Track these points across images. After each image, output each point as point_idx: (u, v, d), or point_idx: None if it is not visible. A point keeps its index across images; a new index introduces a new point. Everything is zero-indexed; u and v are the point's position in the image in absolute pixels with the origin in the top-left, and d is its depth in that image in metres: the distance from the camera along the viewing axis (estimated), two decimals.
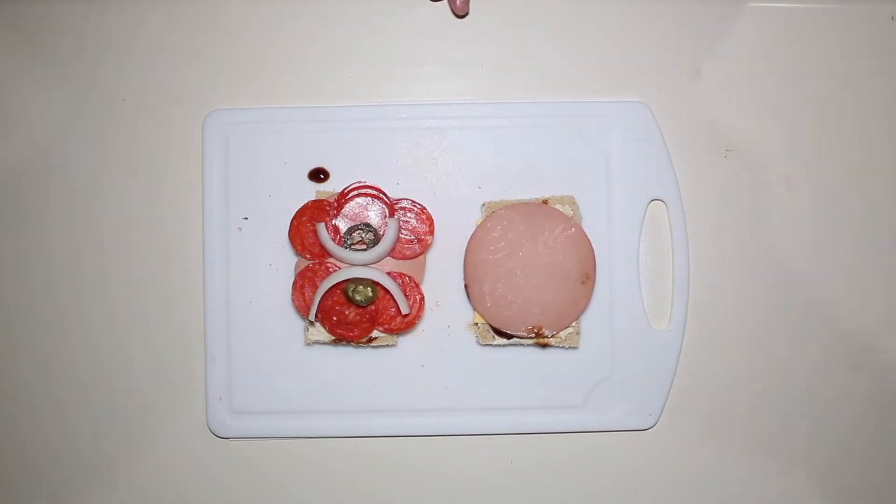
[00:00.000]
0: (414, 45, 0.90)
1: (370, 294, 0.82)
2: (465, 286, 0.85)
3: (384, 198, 0.85)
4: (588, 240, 0.84)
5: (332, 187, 0.87)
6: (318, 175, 0.88)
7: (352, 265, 0.83)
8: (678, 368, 0.86)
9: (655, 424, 0.86)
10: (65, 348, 0.88)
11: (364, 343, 0.85)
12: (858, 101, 0.88)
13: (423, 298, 0.85)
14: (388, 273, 0.84)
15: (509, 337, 0.85)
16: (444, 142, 0.88)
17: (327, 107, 0.89)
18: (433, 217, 0.85)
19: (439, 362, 0.87)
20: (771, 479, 0.87)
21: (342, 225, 0.85)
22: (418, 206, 0.85)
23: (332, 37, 0.90)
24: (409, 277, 0.85)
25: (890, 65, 0.88)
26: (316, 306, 0.83)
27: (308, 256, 0.85)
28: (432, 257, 0.87)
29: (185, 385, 0.88)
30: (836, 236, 0.88)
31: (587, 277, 0.84)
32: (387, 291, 0.83)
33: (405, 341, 0.87)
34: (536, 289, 0.83)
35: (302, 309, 0.84)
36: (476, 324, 0.85)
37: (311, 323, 0.85)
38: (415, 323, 0.85)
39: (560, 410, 0.86)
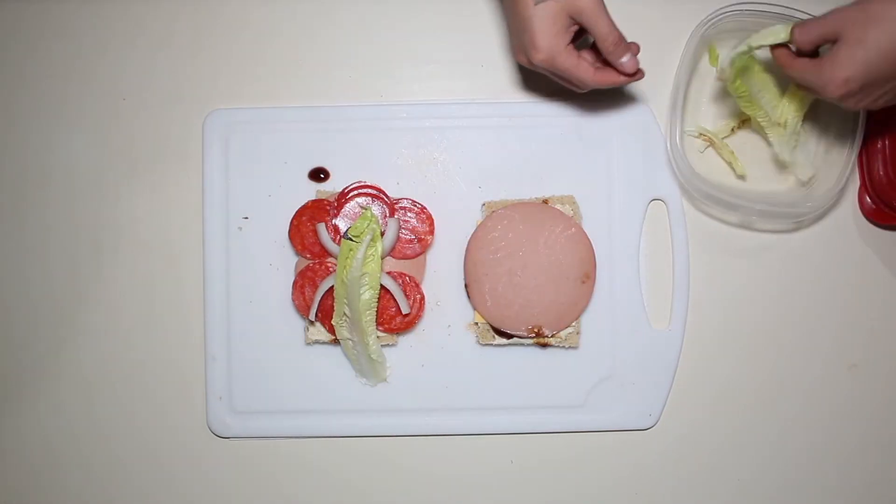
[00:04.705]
0: (414, 45, 0.90)
1: None
2: (465, 286, 0.85)
3: (384, 197, 0.85)
4: (588, 240, 0.84)
5: (332, 187, 0.87)
6: (318, 175, 0.88)
7: None
8: (678, 368, 0.86)
9: (655, 424, 0.86)
10: (64, 348, 0.88)
11: None
12: None
13: (423, 298, 0.85)
14: (388, 273, 0.84)
15: (509, 337, 0.85)
16: (444, 142, 0.88)
17: (327, 107, 0.89)
18: (433, 217, 0.85)
19: (439, 362, 0.87)
20: (771, 479, 0.87)
21: (342, 225, 0.85)
22: (418, 205, 0.85)
23: (332, 36, 0.90)
24: (410, 277, 0.85)
25: None
26: (316, 306, 0.83)
27: (308, 256, 0.85)
28: (432, 257, 0.87)
29: (185, 385, 0.88)
30: (837, 236, 0.88)
31: (587, 277, 0.84)
32: (387, 291, 0.83)
33: (405, 341, 0.87)
34: (536, 289, 0.83)
35: (302, 309, 0.84)
36: (476, 324, 0.85)
37: (311, 322, 0.85)
38: (415, 323, 0.85)
39: (560, 410, 0.86)
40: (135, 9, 0.90)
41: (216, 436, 0.87)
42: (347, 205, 0.85)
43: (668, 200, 0.87)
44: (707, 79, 0.89)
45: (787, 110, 0.83)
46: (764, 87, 0.83)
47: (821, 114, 0.87)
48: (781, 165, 0.87)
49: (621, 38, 0.75)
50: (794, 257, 0.88)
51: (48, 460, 0.88)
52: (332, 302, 0.82)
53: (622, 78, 0.77)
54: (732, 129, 0.88)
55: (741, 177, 0.87)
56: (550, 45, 0.73)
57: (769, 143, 0.86)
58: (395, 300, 0.83)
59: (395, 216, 0.85)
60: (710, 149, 0.88)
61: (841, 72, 0.69)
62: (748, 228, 0.88)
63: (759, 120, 0.84)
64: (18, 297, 0.89)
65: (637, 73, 0.77)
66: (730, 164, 0.87)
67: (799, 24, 0.73)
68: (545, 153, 0.88)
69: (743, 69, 0.80)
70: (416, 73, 0.90)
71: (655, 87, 0.89)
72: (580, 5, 0.72)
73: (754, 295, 0.88)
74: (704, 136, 0.87)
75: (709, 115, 0.89)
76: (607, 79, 0.77)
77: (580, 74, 0.75)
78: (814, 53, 0.74)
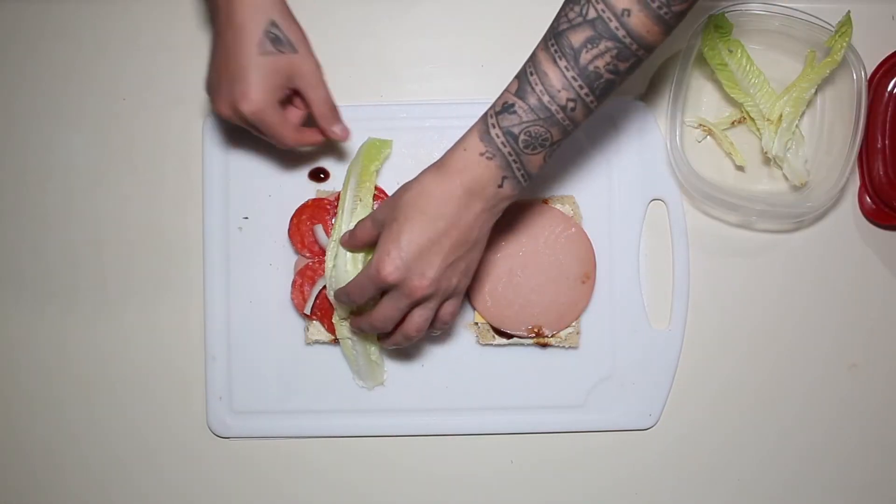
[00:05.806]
0: (414, 44, 0.90)
1: None
2: None
3: (384, 197, 0.85)
4: (588, 240, 0.84)
5: (332, 187, 0.87)
6: (318, 175, 0.88)
7: None
8: (678, 368, 0.86)
9: (655, 424, 0.86)
10: (64, 348, 0.88)
11: None
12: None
13: None
14: None
15: (509, 337, 0.85)
16: (444, 141, 0.88)
17: None
18: None
19: (439, 362, 0.87)
20: (771, 479, 0.87)
21: None
22: None
23: (331, 36, 0.90)
24: None
25: None
26: (312, 301, 0.83)
27: (308, 255, 0.85)
28: None
29: (185, 385, 0.88)
30: (837, 236, 0.88)
31: (587, 277, 0.84)
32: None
33: None
34: (536, 289, 0.83)
35: (301, 307, 0.84)
36: (476, 324, 0.85)
37: (310, 319, 0.84)
38: None
39: (560, 410, 0.86)
40: (135, 9, 0.90)
41: (216, 436, 0.87)
42: None
43: (668, 200, 0.87)
44: (707, 79, 0.89)
45: (782, 105, 0.83)
46: (752, 74, 0.83)
47: (821, 114, 0.87)
48: (768, 160, 0.87)
49: (335, 106, 0.77)
50: (794, 257, 0.88)
51: (48, 460, 0.88)
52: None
53: (319, 138, 0.79)
54: (732, 123, 0.88)
55: (740, 167, 0.87)
56: (264, 98, 0.73)
57: (758, 135, 0.86)
58: None
59: None
60: (710, 148, 0.88)
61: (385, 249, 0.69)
62: (748, 228, 0.88)
63: (748, 108, 0.85)
64: (17, 296, 0.89)
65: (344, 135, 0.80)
66: (729, 154, 0.87)
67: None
68: None
69: (719, 39, 0.82)
70: (416, 73, 0.90)
71: (655, 87, 0.89)
72: (303, 69, 0.74)
73: (754, 295, 0.88)
74: (704, 126, 0.88)
75: (709, 114, 0.89)
76: (306, 139, 0.79)
77: (283, 132, 0.76)
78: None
